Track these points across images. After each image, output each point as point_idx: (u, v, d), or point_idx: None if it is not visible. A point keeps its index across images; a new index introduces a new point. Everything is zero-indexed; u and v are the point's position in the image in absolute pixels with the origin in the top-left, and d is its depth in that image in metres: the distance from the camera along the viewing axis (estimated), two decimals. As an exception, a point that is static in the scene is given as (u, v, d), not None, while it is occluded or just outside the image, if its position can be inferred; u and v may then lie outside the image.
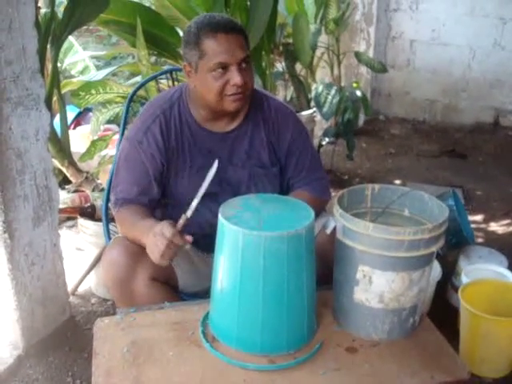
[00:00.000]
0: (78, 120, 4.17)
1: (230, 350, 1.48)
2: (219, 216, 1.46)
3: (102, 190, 2.84)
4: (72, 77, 4.14)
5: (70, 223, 3.37)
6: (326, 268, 1.63)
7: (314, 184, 1.91)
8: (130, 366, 1.44)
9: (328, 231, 1.53)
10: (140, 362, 1.45)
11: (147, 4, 3.72)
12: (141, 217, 1.76)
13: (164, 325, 1.59)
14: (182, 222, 1.58)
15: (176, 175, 1.84)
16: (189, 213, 1.59)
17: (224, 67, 1.67)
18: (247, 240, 1.40)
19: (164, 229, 1.55)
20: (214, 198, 1.80)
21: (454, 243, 2.71)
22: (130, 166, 1.83)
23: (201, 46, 1.67)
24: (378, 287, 1.49)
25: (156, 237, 1.56)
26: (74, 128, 4.10)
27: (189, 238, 1.57)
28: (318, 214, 1.86)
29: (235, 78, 1.66)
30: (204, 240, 1.83)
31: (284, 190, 1.94)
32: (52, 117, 3.25)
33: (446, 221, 1.50)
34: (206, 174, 1.83)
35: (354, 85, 4.18)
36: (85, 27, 4.35)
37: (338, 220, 1.51)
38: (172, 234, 1.54)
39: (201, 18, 1.72)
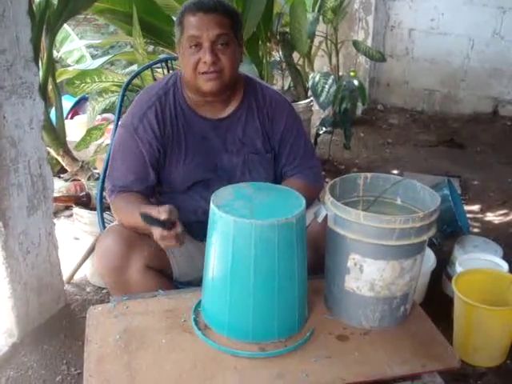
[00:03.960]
0: (76, 109, 4.16)
1: (222, 338, 1.49)
2: (211, 204, 1.46)
3: (98, 178, 2.83)
4: (68, 66, 4.12)
5: (67, 213, 3.38)
6: (318, 257, 1.64)
7: (306, 172, 1.91)
8: (122, 352, 1.45)
9: (319, 219, 1.53)
10: (132, 349, 1.46)
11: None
12: (138, 204, 1.76)
13: (157, 312, 1.59)
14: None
15: (171, 162, 1.84)
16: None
17: (198, 45, 1.68)
18: (238, 228, 1.40)
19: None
20: (208, 185, 1.81)
21: (449, 233, 2.72)
22: (125, 153, 1.83)
23: (182, 23, 1.70)
24: (368, 275, 1.50)
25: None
26: (72, 117, 4.09)
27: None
28: (310, 203, 1.86)
29: (205, 55, 1.68)
30: (198, 227, 1.83)
31: (278, 177, 1.94)
32: (49, 106, 3.25)
33: (438, 209, 1.50)
34: (200, 161, 1.84)
35: (352, 74, 4.17)
36: (82, 16, 4.36)
37: (330, 208, 1.51)
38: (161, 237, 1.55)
39: None
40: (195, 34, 1.67)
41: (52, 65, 3.01)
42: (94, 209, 2.59)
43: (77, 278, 2.75)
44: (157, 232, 1.54)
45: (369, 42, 5.10)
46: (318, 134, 4.09)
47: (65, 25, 3.54)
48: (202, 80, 1.71)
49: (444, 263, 2.69)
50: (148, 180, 1.83)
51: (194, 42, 1.68)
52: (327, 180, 2.03)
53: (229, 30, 1.70)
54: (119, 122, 1.97)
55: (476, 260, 2.51)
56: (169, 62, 2.48)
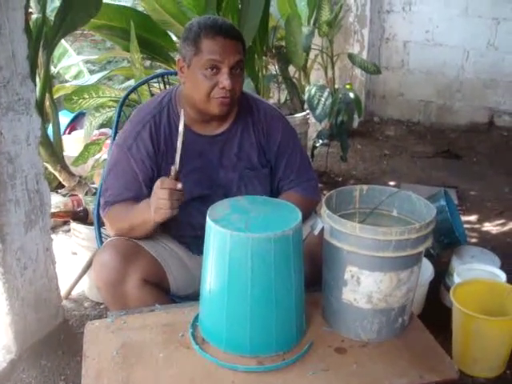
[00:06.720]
0: (73, 125, 4.17)
1: (220, 352, 1.49)
2: (207, 218, 1.47)
3: (95, 193, 2.84)
4: (66, 81, 4.14)
5: (65, 228, 3.38)
6: (316, 269, 1.64)
7: (303, 185, 1.92)
8: (120, 368, 1.44)
9: (316, 232, 1.54)
10: (130, 364, 1.45)
11: (140, 9, 3.72)
12: (134, 204, 1.77)
13: (154, 327, 1.59)
14: (172, 174, 1.60)
15: None
16: (176, 165, 1.61)
17: (216, 68, 1.68)
18: (234, 241, 1.40)
19: (159, 183, 1.61)
20: (204, 201, 1.80)
21: (446, 243, 2.72)
22: (119, 171, 1.84)
23: (198, 44, 1.68)
24: (366, 287, 1.50)
25: (157, 192, 1.60)
26: (69, 133, 4.10)
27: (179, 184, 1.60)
28: (307, 216, 1.87)
29: (224, 81, 1.68)
30: (195, 242, 1.84)
31: (274, 191, 1.95)
32: (46, 122, 3.26)
33: (434, 221, 1.51)
34: (196, 177, 1.84)
35: (348, 86, 4.19)
36: (79, 32, 4.38)
37: (326, 221, 1.52)
38: (169, 183, 1.59)
39: (204, 19, 1.72)
40: (217, 58, 1.66)
41: (49, 81, 3.02)
42: (91, 224, 2.59)
43: (74, 293, 2.75)
44: (159, 180, 1.61)
45: (364, 55, 5.13)
46: (314, 147, 4.10)
47: (62, 40, 3.55)
48: (214, 104, 1.72)
49: (442, 274, 2.69)
50: (141, 197, 1.82)
51: (212, 65, 1.68)
52: (324, 192, 2.04)
53: (243, 56, 1.73)
54: (115, 141, 1.97)
55: (474, 270, 2.51)
56: (165, 76, 2.49)
